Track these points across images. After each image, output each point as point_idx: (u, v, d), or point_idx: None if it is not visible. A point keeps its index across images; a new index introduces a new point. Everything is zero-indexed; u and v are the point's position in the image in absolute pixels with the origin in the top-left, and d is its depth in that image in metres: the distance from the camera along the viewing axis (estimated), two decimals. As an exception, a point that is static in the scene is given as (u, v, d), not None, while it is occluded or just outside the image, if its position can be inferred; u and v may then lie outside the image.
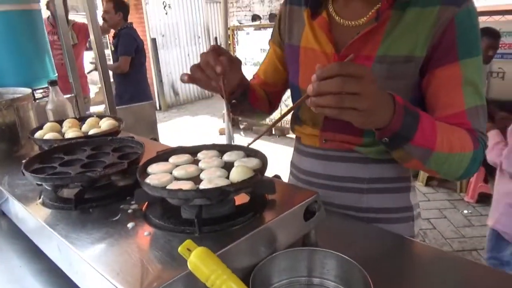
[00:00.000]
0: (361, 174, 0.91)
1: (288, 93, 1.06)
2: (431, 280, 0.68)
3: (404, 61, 0.79)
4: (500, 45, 3.36)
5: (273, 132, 5.53)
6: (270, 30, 1.18)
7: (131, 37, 3.48)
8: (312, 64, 0.72)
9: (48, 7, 3.34)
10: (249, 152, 0.79)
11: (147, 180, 0.67)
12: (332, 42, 0.86)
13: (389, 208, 0.92)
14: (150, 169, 0.74)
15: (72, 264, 0.60)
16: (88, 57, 3.79)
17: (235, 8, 9.10)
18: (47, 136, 1.02)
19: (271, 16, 7.43)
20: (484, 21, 3.53)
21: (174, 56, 8.18)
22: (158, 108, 7.83)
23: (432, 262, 0.74)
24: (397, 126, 0.68)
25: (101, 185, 0.78)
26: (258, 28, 5.76)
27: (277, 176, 0.88)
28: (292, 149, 1.09)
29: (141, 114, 2.15)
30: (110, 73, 2.59)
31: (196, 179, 0.69)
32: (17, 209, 0.79)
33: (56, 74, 1.73)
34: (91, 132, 1.06)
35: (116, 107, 1.89)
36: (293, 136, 1.08)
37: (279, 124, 5.29)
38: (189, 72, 0.78)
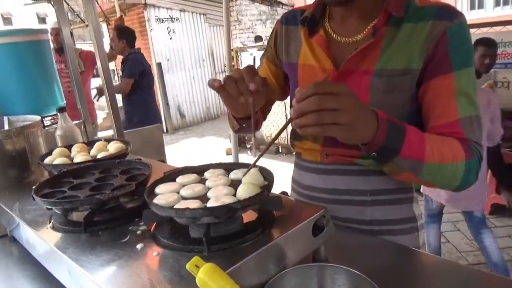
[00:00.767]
0: (364, 187, 0.91)
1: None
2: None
3: (402, 74, 0.80)
4: (503, 55, 3.35)
5: (280, 150, 5.55)
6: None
7: (137, 61, 3.57)
8: (311, 80, 0.73)
9: (53, 38, 3.44)
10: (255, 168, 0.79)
11: (155, 201, 0.68)
12: (330, 58, 0.87)
13: (393, 219, 0.92)
14: (158, 189, 0.75)
15: (83, 287, 0.60)
16: (95, 84, 3.88)
17: (238, 30, 9.28)
18: (56, 161, 1.04)
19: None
20: (485, 32, 3.55)
21: (179, 80, 8.32)
22: (165, 131, 7.91)
23: (443, 273, 0.73)
24: (381, 139, 0.68)
25: (110, 207, 0.78)
26: (262, 48, 5.86)
27: (284, 193, 0.89)
28: (298, 166, 1.09)
29: (148, 137, 2.18)
30: (119, 98, 2.63)
31: (203, 198, 0.70)
32: (28, 234, 0.79)
33: (65, 101, 1.77)
34: (99, 156, 1.08)
35: (124, 131, 1.92)
36: (297, 152, 1.08)
37: (285, 142, 5.31)
38: (216, 83, 0.75)
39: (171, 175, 0.81)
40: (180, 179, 0.80)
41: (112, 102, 1.77)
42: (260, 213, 0.72)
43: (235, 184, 0.74)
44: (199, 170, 0.83)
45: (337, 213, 0.94)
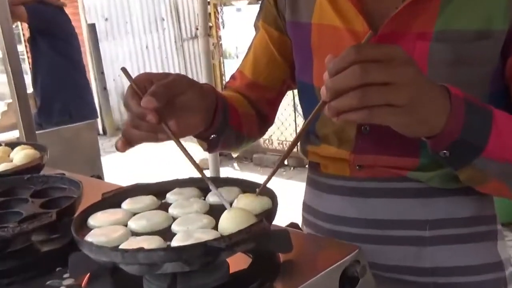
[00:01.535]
0: (420, 216, 0.92)
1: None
2: None
3: (476, 38, 0.82)
4: None
5: (286, 162, 5.54)
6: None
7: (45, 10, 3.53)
8: (332, 49, 0.74)
9: None
10: (247, 189, 0.81)
11: (89, 238, 0.68)
12: (364, 15, 0.89)
13: (467, 267, 0.93)
14: (93, 220, 0.75)
15: None
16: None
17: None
18: None
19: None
20: None
21: (125, 50, 8.35)
22: (101, 131, 7.89)
23: None
24: (457, 128, 0.71)
25: (15, 251, 0.78)
26: (255, 1, 5.88)
27: (293, 225, 0.90)
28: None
29: (75, 142, 2.19)
30: (28, 81, 2.62)
31: (166, 233, 0.70)
32: None
33: None
34: (-3, 170, 1.08)
35: (37, 132, 1.92)
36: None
37: (294, 150, 5.30)
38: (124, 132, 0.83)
39: (114, 198, 0.82)
40: (128, 204, 0.80)
41: (19, 88, 1.77)
42: (257, 257, 0.72)
43: (215, 211, 0.75)
44: (159, 190, 0.84)
45: (378, 258, 0.94)
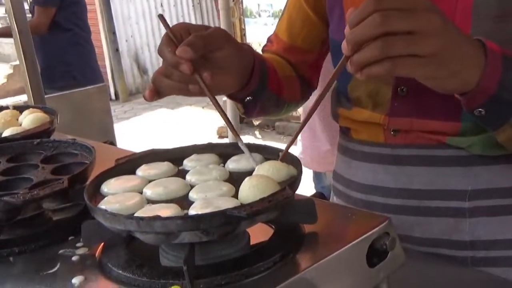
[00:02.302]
0: (460, 185, 0.92)
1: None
2: None
3: None
4: None
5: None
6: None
7: None
8: None
9: None
10: (270, 156, 0.81)
11: (102, 205, 0.68)
12: None
13: (508, 240, 0.92)
14: (107, 187, 0.76)
15: None
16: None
17: None
18: None
19: None
20: None
21: (138, 9, 8.30)
22: (113, 97, 7.93)
23: None
24: (493, 84, 0.71)
25: (26, 218, 0.79)
26: None
27: (319, 195, 0.90)
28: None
29: (86, 106, 2.19)
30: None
31: (183, 201, 0.71)
32: None
33: None
34: (6, 134, 1.09)
35: (46, 96, 1.93)
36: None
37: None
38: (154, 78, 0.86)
39: (128, 165, 0.82)
40: (143, 171, 0.80)
41: (26, 47, 1.78)
42: (279, 228, 0.73)
43: (236, 178, 0.75)
44: (175, 156, 0.84)
45: (412, 231, 0.95)
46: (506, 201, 0.92)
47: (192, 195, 0.72)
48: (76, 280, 0.66)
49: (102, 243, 0.73)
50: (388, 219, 0.73)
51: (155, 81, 0.85)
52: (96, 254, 0.72)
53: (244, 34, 5.92)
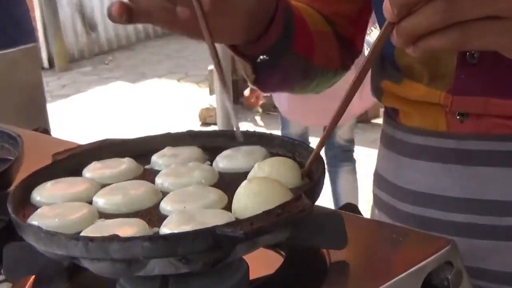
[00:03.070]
0: None
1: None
2: None
3: None
4: None
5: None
6: None
7: None
8: None
9: None
10: (279, 150, 0.76)
11: (34, 220, 0.62)
12: None
13: None
14: (40, 194, 0.70)
15: None
16: None
17: None
18: None
19: None
20: None
21: None
22: (46, 64, 7.29)
23: None
24: None
25: None
26: None
27: (350, 207, 0.81)
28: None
29: (6, 77, 2.08)
30: None
31: (152, 215, 0.65)
32: None
33: None
34: None
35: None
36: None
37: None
38: None
39: (71, 162, 0.76)
40: (93, 171, 0.74)
41: None
42: (292, 255, 0.66)
43: (228, 182, 0.70)
44: (140, 150, 0.79)
45: (486, 261, 0.85)
46: None
47: (165, 206, 0.65)
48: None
49: (33, 276, 0.67)
50: (451, 243, 0.66)
51: None
52: (24, 292, 0.63)
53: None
